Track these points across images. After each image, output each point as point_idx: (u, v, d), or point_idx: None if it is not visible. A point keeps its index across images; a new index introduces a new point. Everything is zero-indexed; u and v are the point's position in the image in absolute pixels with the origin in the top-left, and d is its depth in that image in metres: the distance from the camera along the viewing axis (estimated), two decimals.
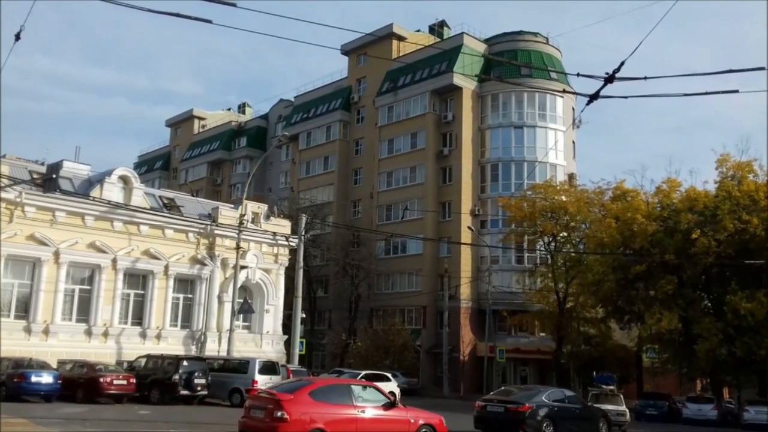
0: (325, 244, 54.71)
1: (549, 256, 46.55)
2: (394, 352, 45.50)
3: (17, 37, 14.78)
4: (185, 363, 25.80)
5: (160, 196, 36.58)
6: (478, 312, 50.30)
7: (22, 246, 29.10)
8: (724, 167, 38.42)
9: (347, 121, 62.00)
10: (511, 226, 48.67)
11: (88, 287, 31.35)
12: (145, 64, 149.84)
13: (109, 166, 33.30)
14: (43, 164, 31.25)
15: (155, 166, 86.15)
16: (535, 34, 56.54)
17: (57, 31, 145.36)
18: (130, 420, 18.73)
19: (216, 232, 34.81)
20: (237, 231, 33.57)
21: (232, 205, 38.60)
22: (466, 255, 50.68)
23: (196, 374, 25.44)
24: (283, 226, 38.54)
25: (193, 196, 43.98)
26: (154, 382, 25.41)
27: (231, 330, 32.35)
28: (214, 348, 33.64)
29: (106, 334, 31.13)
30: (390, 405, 14.53)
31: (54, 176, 22.84)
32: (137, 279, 33.15)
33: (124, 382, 24.08)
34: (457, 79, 53.17)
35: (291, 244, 37.12)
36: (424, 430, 14.75)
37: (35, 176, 29.26)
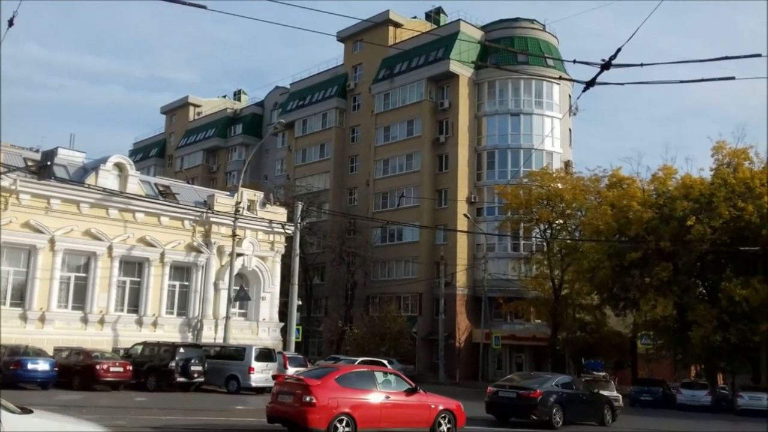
0: (321, 232, 54.74)
1: (545, 244, 46.69)
2: (391, 339, 45.65)
3: (10, 23, 14.68)
4: (182, 350, 25.86)
5: (155, 184, 36.49)
6: (474, 299, 50.46)
7: (18, 233, 29.02)
8: (719, 154, 38.50)
9: (343, 109, 61.84)
10: (507, 214, 48.71)
11: (83, 275, 31.32)
12: (141, 52, 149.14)
13: (105, 154, 33.21)
14: (37, 152, 31.11)
15: (150, 154, 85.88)
16: (532, 21, 56.34)
17: (51, 17, 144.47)
18: (127, 407, 18.77)
19: (212, 219, 34.77)
20: (233, 218, 33.53)
21: (228, 193, 38.54)
22: (462, 242, 50.77)
23: (192, 361, 25.50)
24: (279, 213, 38.53)
25: (188, 183, 43.94)
26: (151, 369, 25.45)
27: (227, 317, 32.37)
28: (210, 335, 33.70)
29: (102, 322, 31.15)
30: (412, 391, 14.91)
31: (49, 163, 22.80)
32: (133, 266, 33.13)
33: (121, 370, 24.12)
34: (454, 66, 53.03)
35: (287, 231, 37.11)
36: (444, 414, 15.12)
37: (30, 164, 29.17)
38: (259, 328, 36.46)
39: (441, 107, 54.43)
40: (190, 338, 33.21)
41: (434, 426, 14.84)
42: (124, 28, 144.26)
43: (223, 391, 26.22)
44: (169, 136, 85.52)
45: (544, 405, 18.65)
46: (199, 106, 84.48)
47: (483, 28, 56.48)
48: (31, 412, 7.76)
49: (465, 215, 49.58)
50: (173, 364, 24.99)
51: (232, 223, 33.58)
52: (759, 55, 9.83)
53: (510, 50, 47.79)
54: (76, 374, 23.81)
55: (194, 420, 17.00)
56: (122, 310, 32.35)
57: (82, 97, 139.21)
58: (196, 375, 25.56)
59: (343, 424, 13.23)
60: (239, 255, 34.40)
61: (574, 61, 10.67)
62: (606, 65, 10.03)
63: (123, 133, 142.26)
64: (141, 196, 32.69)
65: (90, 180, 31.21)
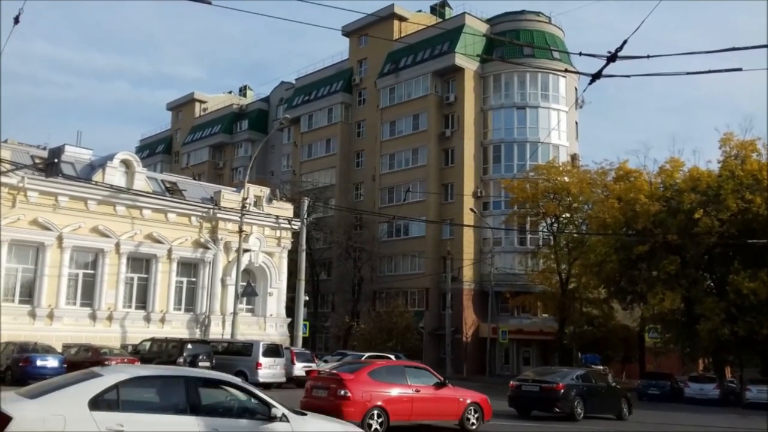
0: (327, 227, 54.77)
1: (551, 237, 46.56)
2: (397, 334, 45.68)
3: (16, 20, 14.72)
4: (189, 346, 25.98)
5: (162, 180, 36.58)
6: (480, 293, 50.42)
7: (26, 231, 29.17)
8: (727, 146, 38.26)
9: (349, 104, 61.77)
10: (513, 208, 48.64)
11: (91, 271, 31.45)
12: (146, 48, 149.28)
13: (111, 151, 33.28)
14: (44, 149, 31.24)
15: (157, 150, 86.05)
16: (538, 13, 56.11)
17: (57, 14, 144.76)
18: None
19: (218, 215, 34.84)
20: (239, 214, 33.60)
21: (235, 189, 38.61)
22: (468, 237, 50.71)
23: (200, 357, 25.58)
24: (286, 209, 38.58)
25: (195, 179, 43.99)
26: (159, 365, 25.55)
27: (234, 313, 32.48)
28: (218, 331, 33.81)
29: (110, 318, 31.28)
30: (440, 385, 15.27)
31: (56, 161, 22.79)
32: (140, 263, 33.25)
33: None
34: (459, 60, 52.89)
35: (293, 227, 37.16)
36: (472, 407, 15.44)
37: (37, 161, 29.26)
38: (267, 324, 36.55)
39: (447, 101, 54.32)
40: (197, 334, 33.32)
41: (462, 419, 15.20)
42: (129, 25, 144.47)
43: None
44: (175, 133, 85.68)
45: (567, 398, 19.24)
46: (204, 102, 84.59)
47: (488, 21, 56.29)
48: (305, 414, 8.47)
49: (471, 209, 49.50)
50: (181, 360, 25.05)
51: (238, 219, 33.65)
52: (766, 46, 9.75)
53: (516, 43, 47.69)
54: None
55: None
56: (130, 307, 32.48)
57: (88, 93, 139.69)
58: None
59: (376, 417, 13.64)
60: (246, 251, 34.47)
61: (580, 54, 10.61)
62: (612, 57, 9.96)
63: (129, 129, 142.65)
64: (148, 192, 32.79)
65: (97, 177, 31.30)
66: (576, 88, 54.77)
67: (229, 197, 35.68)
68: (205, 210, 34.63)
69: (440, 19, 59.26)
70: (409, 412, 14.37)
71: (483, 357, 46.71)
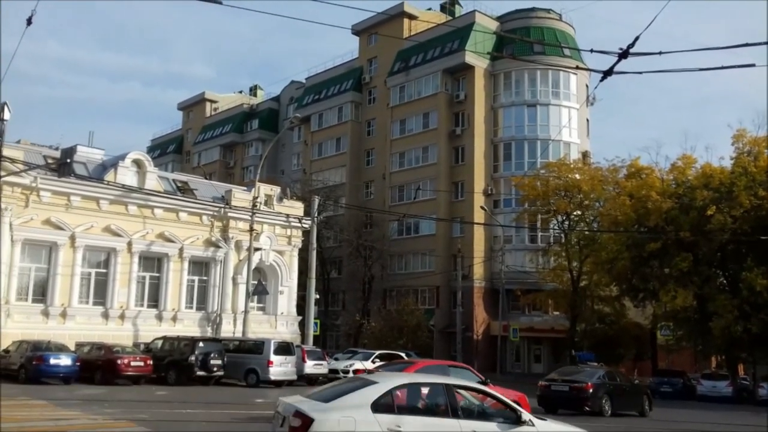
0: (338, 226, 54.81)
1: (562, 235, 46.41)
2: (408, 332, 45.70)
3: (29, 21, 14.83)
4: (201, 344, 26.11)
5: (173, 180, 36.76)
6: (491, 291, 50.34)
7: (39, 230, 29.38)
8: (740, 143, 37.98)
9: (359, 102, 61.79)
10: (524, 205, 48.52)
11: (104, 270, 31.64)
12: (157, 48, 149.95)
13: (123, 151, 33.44)
14: (57, 149, 31.39)
15: (168, 150, 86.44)
16: (548, 10, 55.89)
17: (69, 15, 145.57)
18: (148, 401, 18.97)
19: (229, 214, 34.96)
20: (250, 213, 33.70)
21: (245, 188, 38.72)
22: (479, 235, 50.62)
23: (212, 355, 25.73)
24: (296, 208, 38.67)
25: (206, 179, 44.15)
26: (171, 363, 25.72)
27: (246, 311, 32.58)
28: (229, 329, 33.93)
29: (122, 317, 31.46)
30: (481, 383, 15.23)
31: (68, 161, 22.92)
32: (152, 262, 33.41)
33: (142, 364, 24.38)
34: (469, 58, 52.79)
35: (304, 225, 37.23)
36: None
37: (50, 161, 29.46)
38: (278, 322, 36.65)
39: (457, 99, 54.23)
40: (209, 332, 33.46)
41: None
42: (140, 24, 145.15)
43: (242, 385, 26.42)
44: (186, 132, 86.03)
45: (596, 396, 20.22)
46: (215, 101, 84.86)
47: (498, 18, 56.14)
48: (545, 419, 9.14)
49: (482, 207, 49.39)
50: (193, 358, 25.23)
51: (249, 218, 33.76)
52: None
53: (526, 40, 47.47)
54: (97, 369, 24.09)
55: (215, 413, 17.13)
56: (142, 305, 32.65)
57: (100, 94, 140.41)
58: (215, 369, 25.78)
59: None
60: (257, 249, 34.56)
61: (591, 51, 10.56)
62: (624, 54, 9.92)
63: (141, 129, 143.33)
64: (159, 192, 32.95)
65: (109, 177, 31.47)
66: (587, 85, 54.54)
67: (240, 196, 35.79)
68: (216, 209, 34.76)
69: (450, 17, 59.09)
70: None
71: (494, 355, 46.62)
